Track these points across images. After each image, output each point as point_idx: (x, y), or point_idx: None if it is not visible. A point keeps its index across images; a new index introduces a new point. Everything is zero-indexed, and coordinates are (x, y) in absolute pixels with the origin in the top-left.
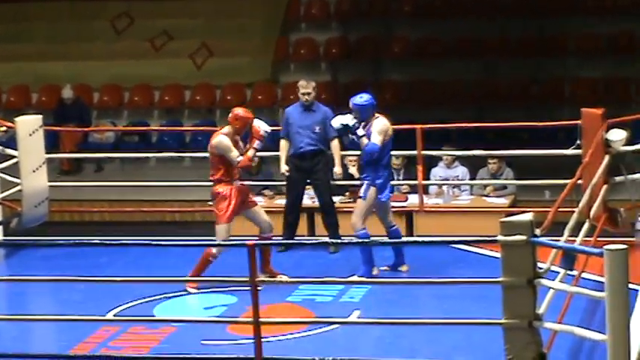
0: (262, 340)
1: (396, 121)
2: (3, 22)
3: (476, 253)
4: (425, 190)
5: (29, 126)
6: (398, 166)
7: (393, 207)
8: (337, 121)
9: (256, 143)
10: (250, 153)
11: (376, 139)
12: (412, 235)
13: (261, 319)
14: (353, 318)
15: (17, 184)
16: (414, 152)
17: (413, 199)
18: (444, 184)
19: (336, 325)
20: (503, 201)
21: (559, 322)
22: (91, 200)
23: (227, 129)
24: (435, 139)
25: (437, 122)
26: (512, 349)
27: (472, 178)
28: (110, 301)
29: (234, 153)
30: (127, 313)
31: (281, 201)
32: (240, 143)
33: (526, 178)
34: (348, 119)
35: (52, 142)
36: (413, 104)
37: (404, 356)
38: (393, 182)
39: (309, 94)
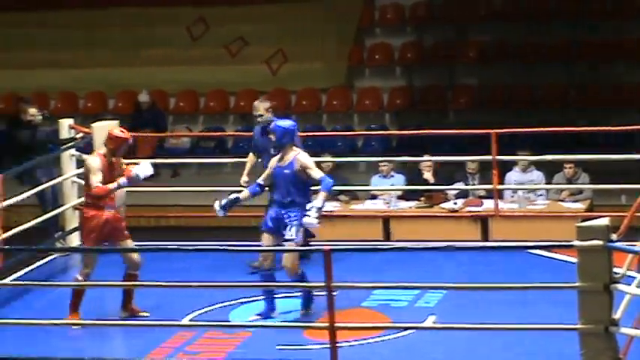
0: (337, 345)
1: (470, 125)
2: (80, 29)
3: (552, 258)
4: (500, 194)
5: (106, 131)
6: (473, 170)
7: (470, 212)
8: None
9: (122, 180)
10: (111, 186)
11: (320, 173)
12: (488, 240)
13: (336, 324)
14: (428, 323)
15: None
16: (489, 157)
17: (488, 204)
18: (519, 189)
19: (412, 331)
20: (579, 206)
21: (635, 328)
22: (167, 205)
23: (103, 149)
24: (511, 143)
25: (512, 126)
26: (588, 355)
27: (548, 183)
28: (186, 306)
29: (96, 177)
30: (202, 318)
31: (356, 206)
32: (123, 165)
33: (602, 182)
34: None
35: (129, 148)
36: (488, 108)
37: None
38: (468, 187)
39: (260, 116)
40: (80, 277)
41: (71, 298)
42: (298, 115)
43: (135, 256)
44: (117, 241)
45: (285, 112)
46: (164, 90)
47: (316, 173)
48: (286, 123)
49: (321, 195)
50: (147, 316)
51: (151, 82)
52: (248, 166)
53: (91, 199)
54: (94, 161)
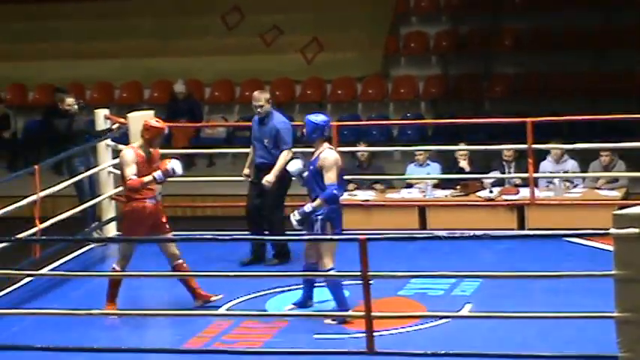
0: (374, 333)
1: (506, 113)
2: (115, 19)
3: (588, 246)
4: (535, 183)
5: (141, 122)
6: (509, 158)
7: (506, 200)
8: (292, 167)
9: (157, 174)
10: (145, 179)
11: (331, 178)
12: (523, 229)
13: (372, 313)
14: (465, 312)
15: None
16: (525, 146)
17: (524, 193)
18: (555, 178)
19: (448, 319)
20: (615, 194)
21: None
22: (203, 195)
23: (138, 142)
24: (546, 131)
25: (548, 115)
26: (625, 343)
27: (583, 171)
28: (223, 295)
29: (130, 170)
30: (239, 308)
31: (392, 195)
32: (158, 158)
33: (638, 170)
34: (298, 164)
35: (165, 138)
36: (523, 97)
37: (516, 350)
38: (504, 175)
39: (261, 106)
40: (117, 267)
41: (108, 288)
42: (333, 104)
43: (172, 247)
44: (159, 233)
45: (320, 101)
46: (199, 80)
47: (327, 177)
48: (318, 118)
49: (317, 201)
50: (221, 299)
51: (186, 71)
52: (250, 158)
53: (129, 192)
54: (128, 153)
